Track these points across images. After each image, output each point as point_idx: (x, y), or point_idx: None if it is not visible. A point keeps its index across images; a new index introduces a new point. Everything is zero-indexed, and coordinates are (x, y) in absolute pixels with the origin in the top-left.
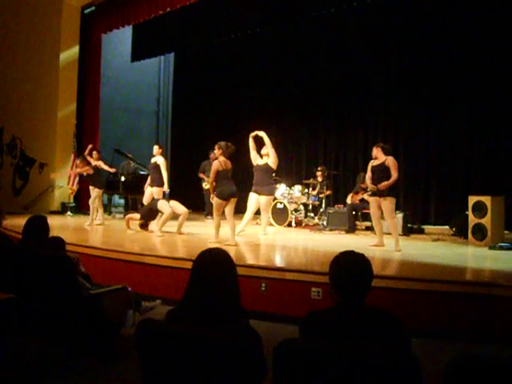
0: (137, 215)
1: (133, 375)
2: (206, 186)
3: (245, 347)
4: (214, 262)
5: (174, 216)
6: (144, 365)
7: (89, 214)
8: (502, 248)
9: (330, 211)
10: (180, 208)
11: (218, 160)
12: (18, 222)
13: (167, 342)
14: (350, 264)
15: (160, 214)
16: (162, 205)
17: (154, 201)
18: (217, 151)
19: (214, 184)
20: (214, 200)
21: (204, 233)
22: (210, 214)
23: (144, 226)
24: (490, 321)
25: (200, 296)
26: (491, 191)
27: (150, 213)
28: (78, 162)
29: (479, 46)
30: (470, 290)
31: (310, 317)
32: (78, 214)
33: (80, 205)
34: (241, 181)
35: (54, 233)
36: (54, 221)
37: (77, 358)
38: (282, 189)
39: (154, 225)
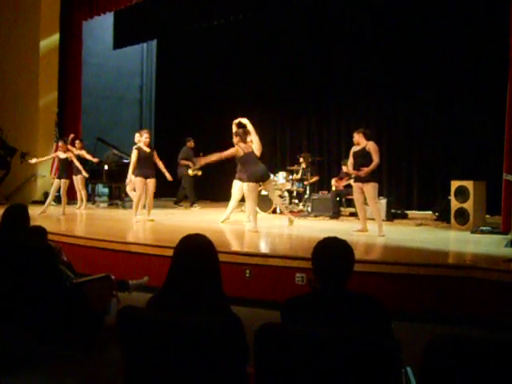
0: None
1: (116, 364)
2: (192, 171)
3: (226, 332)
4: (195, 248)
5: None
6: (126, 352)
7: (73, 203)
8: (483, 232)
9: (315, 197)
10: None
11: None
12: None
13: (148, 329)
14: (332, 249)
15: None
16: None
17: None
18: (235, 139)
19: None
20: (247, 185)
21: (183, 220)
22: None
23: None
24: (471, 303)
25: (181, 282)
26: (473, 176)
27: None
28: (60, 144)
29: (456, 33)
30: (452, 273)
31: (289, 302)
32: (60, 203)
33: None
34: (226, 168)
35: (36, 222)
36: (36, 210)
37: (60, 348)
38: None
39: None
